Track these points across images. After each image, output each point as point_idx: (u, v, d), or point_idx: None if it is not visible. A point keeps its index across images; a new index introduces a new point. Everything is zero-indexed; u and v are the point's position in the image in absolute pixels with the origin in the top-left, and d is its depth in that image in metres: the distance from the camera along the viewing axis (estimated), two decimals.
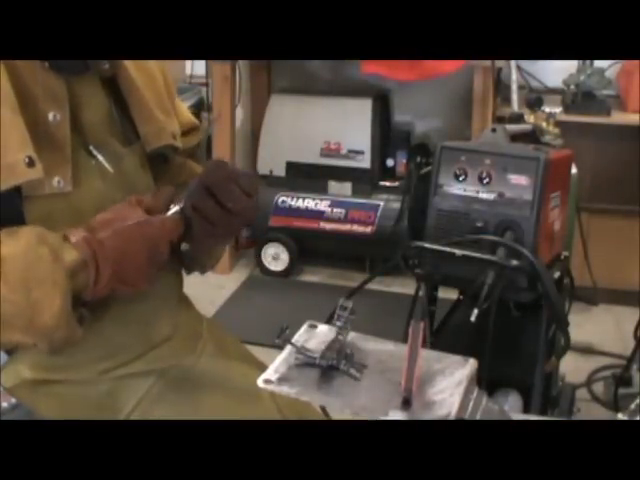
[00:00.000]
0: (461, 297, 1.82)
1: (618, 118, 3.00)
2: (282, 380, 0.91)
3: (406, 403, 0.87)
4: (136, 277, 0.98)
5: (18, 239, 0.93)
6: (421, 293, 1.66)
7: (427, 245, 1.61)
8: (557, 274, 1.67)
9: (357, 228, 3.28)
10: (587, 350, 2.77)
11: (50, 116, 0.99)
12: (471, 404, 0.92)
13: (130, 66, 1.13)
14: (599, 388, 2.56)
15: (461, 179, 1.62)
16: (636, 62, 2.90)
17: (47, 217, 0.99)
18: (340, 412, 0.88)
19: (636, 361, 2.42)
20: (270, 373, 0.92)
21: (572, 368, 2.35)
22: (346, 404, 0.88)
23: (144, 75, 1.16)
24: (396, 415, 0.86)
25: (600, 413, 2.40)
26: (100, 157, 1.06)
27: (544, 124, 2.17)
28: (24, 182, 0.95)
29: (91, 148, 1.06)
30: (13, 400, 1.06)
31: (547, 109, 2.30)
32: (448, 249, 1.57)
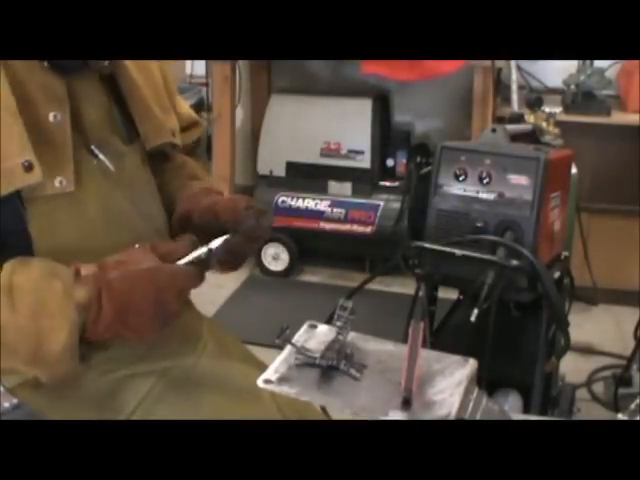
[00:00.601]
0: (461, 297, 1.82)
1: (618, 118, 3.00)
2: (282, 380, 0.91)
3: (406, 403, 0.87)
4: (139, 324, 0.95)
5: (30, 270, 0.93)
6: (421, 293, 1.66)
7: (427, 245, 1.61)
8: (557, 274, 1.67)
9: (357, 228, 3.28)
10: (587, 350, 2.77)
11: (51, 116, 0.99)
12: (471, 404, 0.92)
13: (129, 63, 1.13)
14: (599, 388, 2.56)
15: (461, 179, 1.62)
16: (636, 62, 2.90)
17: (50, 217, 0.99)
18: (340, 412, 0.88)
19: (636, 361, 2.42)
20: (270, 373, 0.92)
21: (572, 368, 2.35)
22: (346, 404, 0.88)
23: (142, 72, 1.16)
24: (396, 415, 0.86)
25: (600, 413, 2.40)
26: (101, 156, 1.06)
27: (544, 124, 2.17)
28: (23, 187, 0.95)
29: (92, 147, 1.06)
30: (15, 400, 1.06)
31: (547, 109, 2.30)
32: (448, 249, 1.57)
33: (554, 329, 1.70)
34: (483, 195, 1.60)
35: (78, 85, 1.05)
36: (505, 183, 1.59)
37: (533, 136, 2.01)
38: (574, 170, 1.96)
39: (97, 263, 0.96)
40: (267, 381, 0.91)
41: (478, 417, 0.92)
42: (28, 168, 0.95)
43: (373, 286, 1.81)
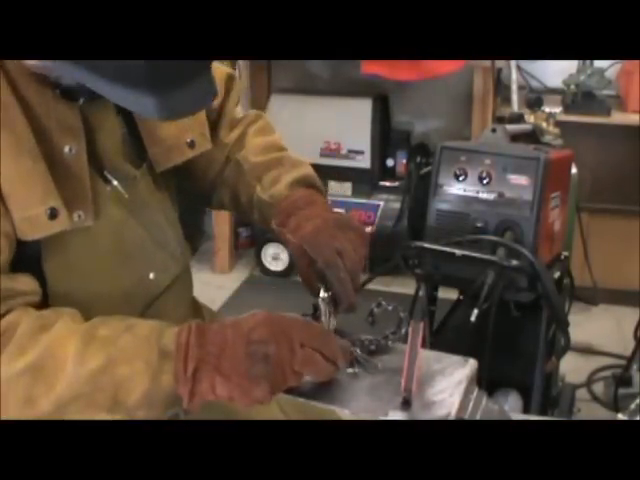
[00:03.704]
0: (461, 297, 1.82)
1: (618, 118, 2.99)
2: None
3: (406, 403, 0.87)
4: (232, 367, 0.85)
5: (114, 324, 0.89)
6: (421, 293, 1.66)
7: (427, 245, 1.61)
8: (557, 274, 1.68)
9: None
10: (587, 350, 2.77)
11: (66, 149, 0.95)
12: (471, 404, 0.93)
13: None
14: (599, 388, 2.56)
15: (461, 179, 1.62)
16: (636, 62, 2.90)
17: (64, 254, 0.95)
18: (340, 412, 0.88)
19: (636, 361, 2.42)
20: None
21: (572, 368, 2.35)
22: (346, 404, 0.88)
23: None
24: (396, 415, 0.86)
25: (600, 413, 2.40)
26: (115, 182, 1.02)
27: (544, 124, 2.17)
28: (48, 235, 0.91)
29: (106, 173, 1.02)
30: None
31: (547, 109, 2.30)
32: (448, 249, 1.57)
33: (554, 329, 1.70)
34: (483, 195, 1.60)
35: (91, 111, 1.00)
36: (505, 183, 1.59)
37: (533, 136, 2.01)
38: (574, 170, 1.97)
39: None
40: None
41: (478, 417, 0.92)
42: (52, 215, 0.91)
43: (373, 286, 1.81)
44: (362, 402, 0.89)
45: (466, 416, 0.90)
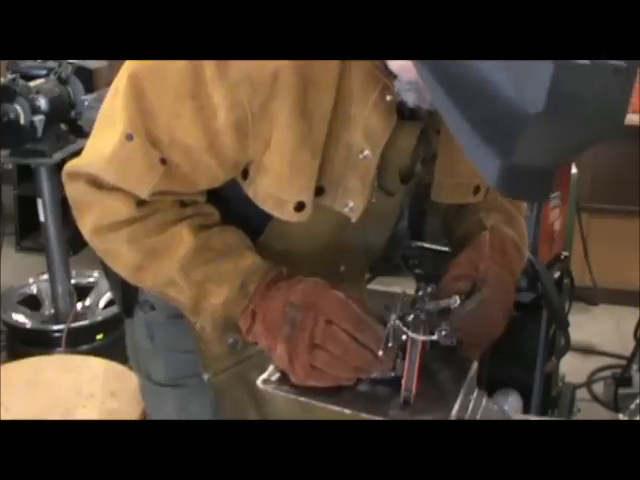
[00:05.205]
0: None
1: None
2: (282, 380, 0.91)
3: (406, 403, 0.87)
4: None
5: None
6: (421, 293, 1.66)
7: (427, 245, 1.61)
8: (557, 274, 1.68)
9: None
10: (587, 350, 2.77)
11: (364, 154, 0.96)
12: (471, 404, 0.93)
13: None
14: (599, 388, 2.57)
15: None
16: None
17: (288, 225, 0.98)
18: (340, 412, 0.88)
19: (636, 361, 2.43)
20: (270, 373, 0.92)
21: (572, 368, 2.35)
22: (346, 404, 0.88)
23: None
24: (396, 415, 0.86)
25: (600, 413, 2.41)
26: (375, 185, 1.01)
27: None
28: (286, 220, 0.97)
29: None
30: None
31: None
32: (448, 249, 1.57)
33: (554, 329, 1.70)
34: None
35: (400, 125, 0.98)
36: None
37: None
38: (574, 170, 1.97)
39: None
40: (267, 381, 0.91)
41: (478, 417, 0.93)
42: (298, 208, 0.94)
43: (373, 286, 1.81)
44: (362, 402, 0.89)
45: (466, 416, 0.90)
